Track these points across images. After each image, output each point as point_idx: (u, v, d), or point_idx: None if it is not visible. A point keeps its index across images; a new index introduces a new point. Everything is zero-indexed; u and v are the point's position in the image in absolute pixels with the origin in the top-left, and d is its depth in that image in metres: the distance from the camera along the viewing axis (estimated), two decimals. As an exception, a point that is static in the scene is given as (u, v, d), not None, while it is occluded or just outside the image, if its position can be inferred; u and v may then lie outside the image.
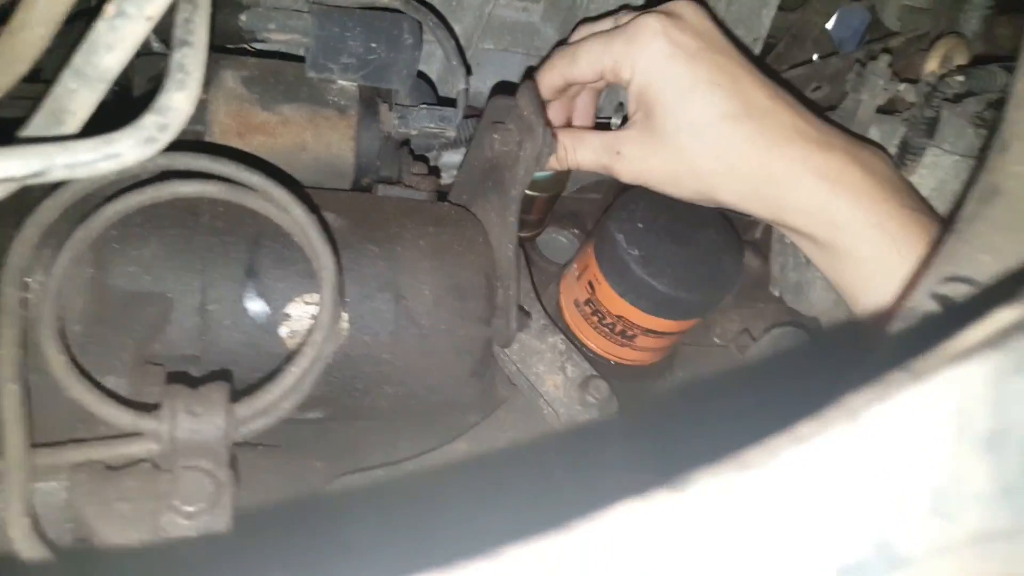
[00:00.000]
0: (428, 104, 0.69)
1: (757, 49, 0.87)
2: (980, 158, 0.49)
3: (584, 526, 0.21)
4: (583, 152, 0.67)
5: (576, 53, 0.66)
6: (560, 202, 0.94)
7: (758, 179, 0.62)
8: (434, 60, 0.84)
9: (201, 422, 0.46)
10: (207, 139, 0.63)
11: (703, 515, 0.21)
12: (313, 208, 0.53)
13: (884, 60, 0.74)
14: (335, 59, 0.65)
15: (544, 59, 0.72)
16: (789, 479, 0.22)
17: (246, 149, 0.64)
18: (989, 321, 0.26)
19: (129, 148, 0.39)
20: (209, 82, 0.63)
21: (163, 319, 0.56)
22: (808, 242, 0.65)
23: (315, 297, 0.60)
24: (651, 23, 0.62)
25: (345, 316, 0.61)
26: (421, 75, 0.76)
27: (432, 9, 0.72)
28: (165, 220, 0.57)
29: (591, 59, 0.65)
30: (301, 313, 0.59)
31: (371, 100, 0.68)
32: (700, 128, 0.61)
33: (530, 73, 0.68)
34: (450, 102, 0.72)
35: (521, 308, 0.69)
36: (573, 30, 0.73)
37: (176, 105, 0.41)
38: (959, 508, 0.25)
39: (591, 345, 0.81)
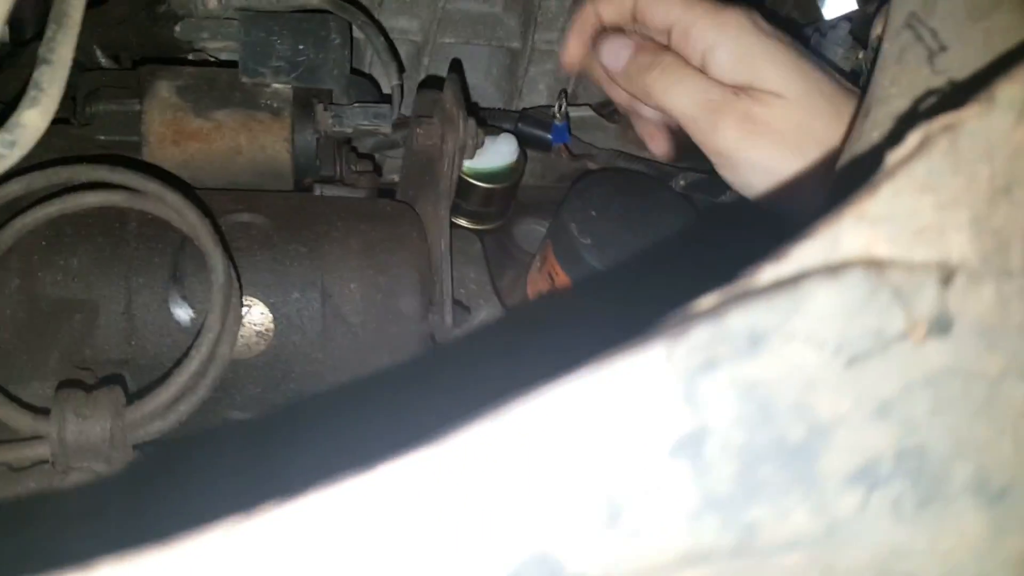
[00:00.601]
0: (363, 102, 0.69)
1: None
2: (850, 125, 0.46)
3: (177, 547, 0.21)
4: (680, 88, 0.57)
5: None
6: (541, 192, 0.93)
7: None
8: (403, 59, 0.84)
9: (88, 424, 0.48)
10: (144, 148, 0.65)
11: (314, 531, 0.21)
12: (207, 212, 0.54)
13: (844, 27, 0.70)
14: (265, 63, 0.66)
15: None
16: (412, 487, 0.21)
17: (182, 156, 0.66)
18: (685, 310, 0.24)
19: (-27, 165, 0.40)
20: (144, 93, 0.65)
21: (90, 325, 0.58)
22: None
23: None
24: (733, 6, 0.57)
25: (270, 316, 0.62)
26: (361, 73, 0.76)
27: (361, 8, 0.72)
28: (94, 228, 0.60)
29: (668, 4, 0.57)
30: (226, 315, 0.60)
31: (306, 101, 0.69)
32: (826, 93, 0.54)
33: (457, 65, 0.68)
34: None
35: (459, 303, 0.68)
36: None
37: (26, 122, 0.42)
38: (650, 522, 0.24)
39: (556, 336, 0.80)
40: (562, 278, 0.75)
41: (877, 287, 0.25)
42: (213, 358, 0.53)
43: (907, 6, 0.40)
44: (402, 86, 0.70)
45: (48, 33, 0.45)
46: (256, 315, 0.62)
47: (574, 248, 0.73)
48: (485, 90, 0.89)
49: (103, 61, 0.69)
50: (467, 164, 0.78)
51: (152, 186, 0.53)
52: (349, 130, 0.69)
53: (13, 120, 0.42)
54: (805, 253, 0.26)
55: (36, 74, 0.43)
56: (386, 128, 0.69)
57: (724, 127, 0.55)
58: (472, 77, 0.88)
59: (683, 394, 0.24)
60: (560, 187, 0.94)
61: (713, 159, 0.58)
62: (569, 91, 0.83)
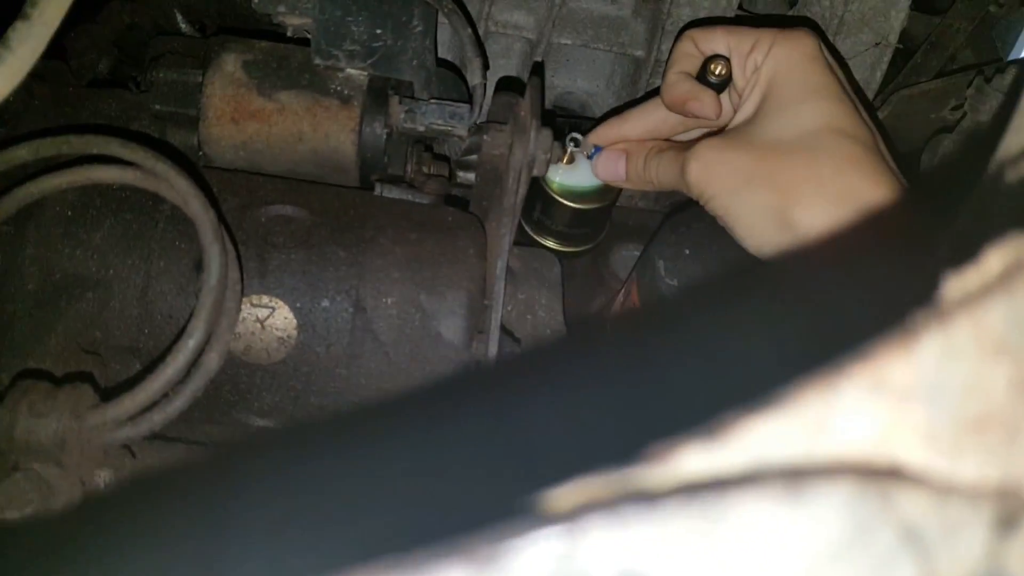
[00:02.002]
0: (440, 99, 0.62)
1: (886, 56, 0.70)
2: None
3: None
4: (664, 168, 0.60)
5: (721, 25, 0.62)
6: (651, 216, 0.83)
7: (847, 207, 0.53)
8: (512, 55, 0.76)
9: (39, 423, 0.43)
10: (200, 123, 0.61)
11: None
12: (214, 202, 0.49)
13: (1011, 73, 0.55)
14: (339, 45, 0.60)
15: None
16: None
17: (240, 136, 0.61)
18: (522, 512, 0.15)
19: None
20: (209, 65, 0.61)
21: (102, 306, 0.54)
22: None
23: (264, 299, 0.56)
24: (805, 29, 0.58)
25: (294, 323, 0.56)
26: (449, 66, 0.68)
27: (452, -7, 0.64)
28: (124, 204, 0.56)
29: (732, 30, 0.60)
30: (246, 315, 0.55)
31: (382, 91, 0.62)
32: (808, 133, 0.55)
33: (539, 68, 0.59)
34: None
35: (510, 334, 0.60)
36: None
37: (-16, 85, 0.38)
38: None
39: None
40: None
41: (874, 520, 0.15)
42: (199, 365, 0.47)
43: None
44: (484, 84, 0.62)
45: (41, -13, 0.41)
46: (279, 319, 0.56)
47: (658, 289, 0.63)
48: (605, 100, 0.80)
49: (184, 27, 0.66)
50: (557, 181, 0.69)
51: (160, 167, 0.48)
52: (421, 128, 0.61)
53: (-27, 82, 0.38)
54: (757, 436, 0.15)
55: (9, 30, 0.39)
56: (461, 130, 0.61)
57: (688, 172, 0.57)
58: (590, 84, 0.79)
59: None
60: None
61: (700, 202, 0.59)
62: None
